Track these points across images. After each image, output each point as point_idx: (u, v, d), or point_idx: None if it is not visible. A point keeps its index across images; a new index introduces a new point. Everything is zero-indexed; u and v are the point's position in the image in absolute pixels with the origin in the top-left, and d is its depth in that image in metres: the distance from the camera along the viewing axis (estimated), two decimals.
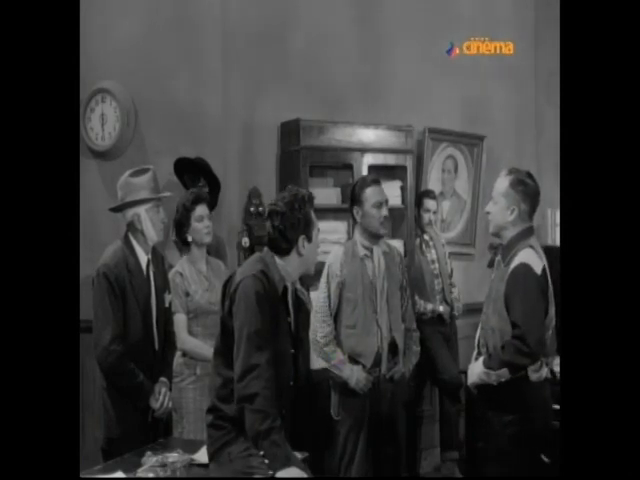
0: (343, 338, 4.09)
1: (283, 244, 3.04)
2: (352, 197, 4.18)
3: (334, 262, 4.12)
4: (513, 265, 3.41)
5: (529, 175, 3.54)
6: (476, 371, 3.49)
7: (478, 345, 3.59)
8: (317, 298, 4.14)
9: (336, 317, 4.10)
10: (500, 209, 3.50)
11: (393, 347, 4.13)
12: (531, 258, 3.41)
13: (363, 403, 4.07)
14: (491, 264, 3.76)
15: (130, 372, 3.57)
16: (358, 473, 4.07)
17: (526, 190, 3.49)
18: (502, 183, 3.52)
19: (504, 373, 3.37)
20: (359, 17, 5.73)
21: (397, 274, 4.20)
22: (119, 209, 3.72)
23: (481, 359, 3.49)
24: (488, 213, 3.59)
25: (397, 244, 5.06)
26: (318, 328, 4.06)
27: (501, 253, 3.56)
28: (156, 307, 3.71)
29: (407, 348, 4.22)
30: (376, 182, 4.18)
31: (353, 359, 4.07)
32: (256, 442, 2.83)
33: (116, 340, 3.53)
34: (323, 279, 4.13)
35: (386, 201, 4.16)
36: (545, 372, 3.47)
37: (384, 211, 4.12)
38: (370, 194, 4.11)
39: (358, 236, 4.16)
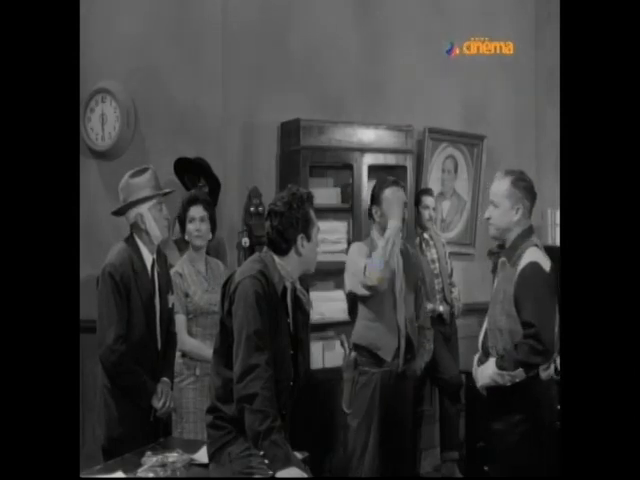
0: (364, 331, 4.16)
1: (282, 244, 3.04)
2: (371, 197, 4.29)
3: (358, 257, 4.16)
4: (522, 265, 3.38)
5: (523, 174, 3.55)
6: (487, 373, 3.42)
7: (483, 347, 3.55)
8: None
9: (357, 311, 4.19)
10: (504, 211, 3.45)
11: (408, 344, 4.20)
12: (539, 257, 3.39)
13: (373, 396, 4.13)
14: (494, 269, 3.73)
15: (133, 371, 3.57)
16: (370, 466, 4.13)
17: (527, 187, 3.48)
18: (502, 185, 3.48)
19: (519, 373, 3.33)
20: (359, 17, 5.73)
21: (413, 273, 4.29)
22: (122, 211, 3.71)
23: (492, 360, 3.42)
24: (489, 219, 3.52)
25: None
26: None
27: (505, 254, 3.51)
28: (159, 307, 3.71)
29: (420, 346, 4.30)
30: (396, 183, 4.27)
31: (373, 353, 4.12)
32: (256, 442, 2.82)
33: (120, 339, 3.52)
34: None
35: (405, 203, 4.24)
36: (552, 370, 3.46)
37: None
38: (389, 194, 4.17)
39: (376, 235, 4.22)
